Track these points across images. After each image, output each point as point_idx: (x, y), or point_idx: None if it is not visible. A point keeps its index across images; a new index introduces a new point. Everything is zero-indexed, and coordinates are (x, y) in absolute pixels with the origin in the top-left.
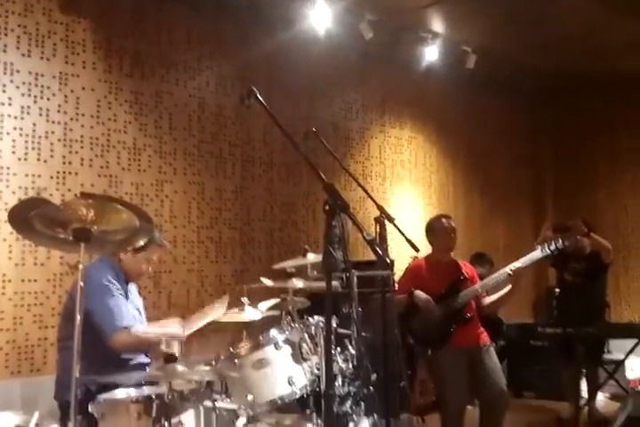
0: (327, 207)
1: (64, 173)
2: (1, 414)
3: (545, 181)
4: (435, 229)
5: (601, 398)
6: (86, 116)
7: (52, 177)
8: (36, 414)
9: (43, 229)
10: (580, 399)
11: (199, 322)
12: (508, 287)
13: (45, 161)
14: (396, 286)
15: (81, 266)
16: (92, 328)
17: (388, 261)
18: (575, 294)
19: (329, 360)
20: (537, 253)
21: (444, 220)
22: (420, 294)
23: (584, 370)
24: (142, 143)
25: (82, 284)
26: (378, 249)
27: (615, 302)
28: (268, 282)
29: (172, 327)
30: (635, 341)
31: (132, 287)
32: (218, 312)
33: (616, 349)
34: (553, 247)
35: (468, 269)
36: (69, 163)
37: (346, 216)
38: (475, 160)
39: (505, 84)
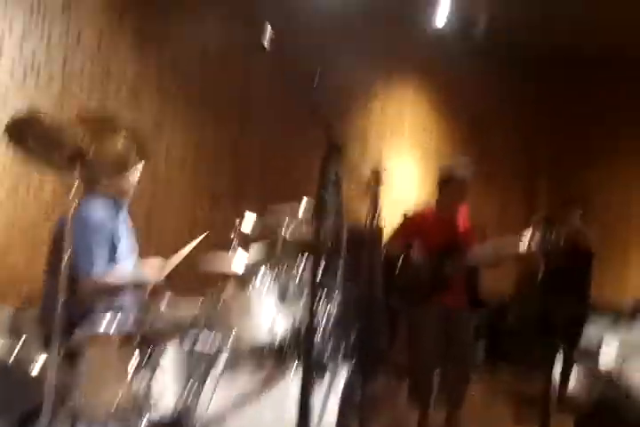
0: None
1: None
2: None
3: (540, 162)
4: (454, 179)
5: (573, 381)
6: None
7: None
8: (23, 338)
9: (38, 150)
10: (552, 378)
11: (175, 261)
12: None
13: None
14: (391, 232)
15: (74, 189)
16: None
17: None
18: (560, 277)
19: (311, 305)
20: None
21: (466, 178)
22: (419, 252)
23: (560, 350)
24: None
25: (72, 208)
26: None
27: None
28: (251, 216)
29: (147, 269)
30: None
31: (123, 219)
32: (191, 245)
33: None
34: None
35: (466, 221)
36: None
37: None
38: (474, 130)
39: (508, 54)
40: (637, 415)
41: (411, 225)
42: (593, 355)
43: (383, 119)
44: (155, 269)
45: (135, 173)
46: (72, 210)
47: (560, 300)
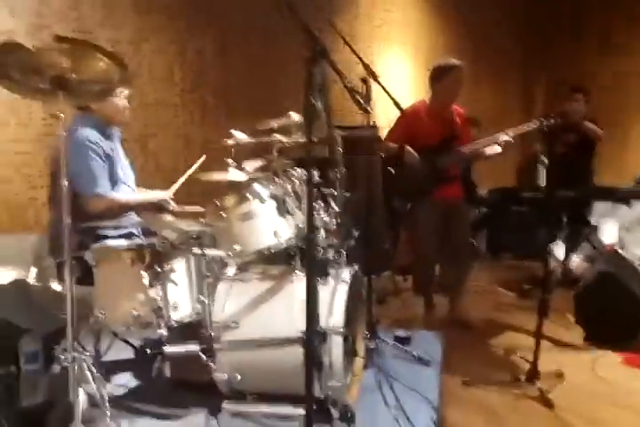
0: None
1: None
2: None
3: (536, 52)
4: (446, 77)
5: (575, 259)
6: None
7: (26, 32)
8: (33, 270)
9: (20, 77)
10: (553, 260)
11: (180, 180)
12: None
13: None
14: (387, 132)
15: (62, 115)
16: None
17: (369, 109)
18: (564, 164)
19: (310, 206)
20: (531, 125)
21: (460, 68)
22: (410, 152)
23: (563, 232)
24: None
25: (64, 133)
26: (358, 96)
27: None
28: (240, 135)
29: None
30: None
31: (117, 144)
32: (194, 167)
33: (595, 213)
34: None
35: (461, 117)
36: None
37: (327, 64)
38: (468, 24)
39: None
40: (635, 285)
41: (407, 122)
42: (595, 232)
43: (371, 18)
44: (160, 194)
45: (121, 99)
46: (65, 135)
47: (563, 183)
